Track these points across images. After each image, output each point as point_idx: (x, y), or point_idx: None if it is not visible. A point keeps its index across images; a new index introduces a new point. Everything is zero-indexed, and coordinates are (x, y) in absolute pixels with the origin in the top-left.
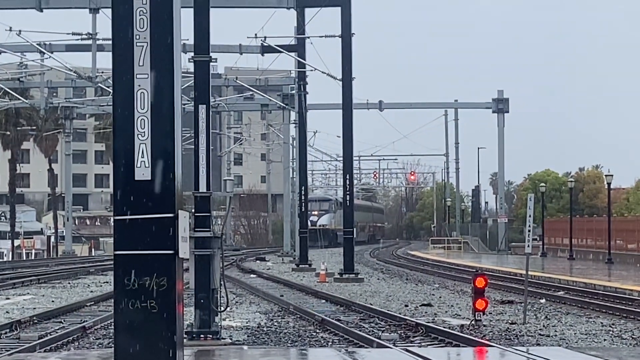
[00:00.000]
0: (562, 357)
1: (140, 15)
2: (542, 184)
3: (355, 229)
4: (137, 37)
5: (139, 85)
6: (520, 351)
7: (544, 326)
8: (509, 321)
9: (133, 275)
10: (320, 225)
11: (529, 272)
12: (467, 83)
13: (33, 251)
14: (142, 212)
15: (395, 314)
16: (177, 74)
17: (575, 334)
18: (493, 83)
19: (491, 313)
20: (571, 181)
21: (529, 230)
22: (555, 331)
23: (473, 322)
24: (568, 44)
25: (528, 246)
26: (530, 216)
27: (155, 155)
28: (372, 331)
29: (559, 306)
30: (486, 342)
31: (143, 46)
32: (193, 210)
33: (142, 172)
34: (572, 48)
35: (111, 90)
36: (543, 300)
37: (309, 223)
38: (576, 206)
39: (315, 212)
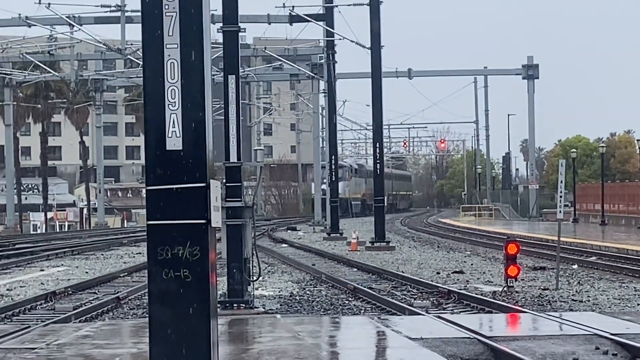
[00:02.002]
0: (596, 323)
1: None
2: (573, 150)
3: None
4: (166, 6)
5: (169, 55)
6: (553, 317)
7: (576, 292)
8: (542, 287)
9: (166, 245)
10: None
11: (561, 238)
12: (497, 49)
13: (66, 223)
14: (174, 182)
15: (427, 281)
16: (207, 44)
17: (608, 299)
18: (523, 49)
19: (523, 279)
20: (602, 146)
21: (561, 196)
22: (588, 297)
23: (505, 289)
24: (599, 8)
25: (560, 212)
26: (561, 182)
27: (186, 125)
28: (404, 299)
29: (592, 272)
30: (519, 308)
31: (172, 16)
32: (224, 181)
33: (174, 142)
34: (601, 12)
35: (141, 62)
36: (575, 266)
37: (320, 192)
38: (607, 172)
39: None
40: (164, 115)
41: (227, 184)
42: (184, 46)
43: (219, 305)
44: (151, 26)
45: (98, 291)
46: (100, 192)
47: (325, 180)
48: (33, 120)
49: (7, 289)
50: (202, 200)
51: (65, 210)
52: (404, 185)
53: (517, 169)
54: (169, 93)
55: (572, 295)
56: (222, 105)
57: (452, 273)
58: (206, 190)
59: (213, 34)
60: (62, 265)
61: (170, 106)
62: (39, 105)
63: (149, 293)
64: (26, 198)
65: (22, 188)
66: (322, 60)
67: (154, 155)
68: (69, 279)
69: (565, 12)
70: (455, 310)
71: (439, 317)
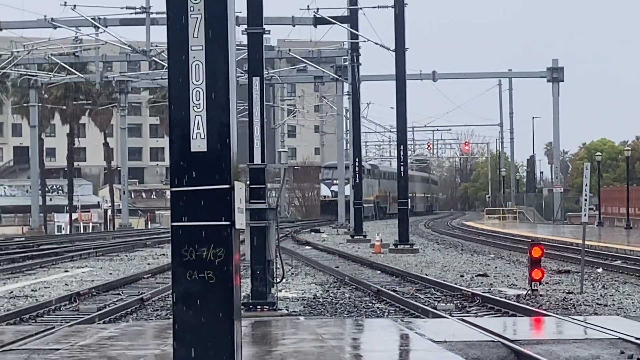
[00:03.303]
0: (621, 326)
1: None
2: (598, 153)
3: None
4: (192, 8)
5: (194, 57)
6: (577, 320)
7: (601, 295)
8: (566, 291)
9: (190, 247)
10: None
11: (586, 242)
12: (522, 52)
13: (90, 224)
14: (198, 184)
15: (451, 284)
16: (232, 46)
17: (633, 303)
18: (548, 51)
19: (547, 283)
20: (628, 150)
21: (586, 200)
22: (613, 300)
23: (529, 292)
24: (625, 10)
25: (585, 215)
26: (586, 185)
27: (211, 126)
28: (428, 301)
29: (616, 275)
30: (543, 311)
31: (197, 18)
32: (248, 182)
33: (198, 143)
34: (627, 15)
35: (165, 64)
36: (600, 270)
37: (329, 193)
38: (633, 175)
39: (337, 182)
40: (189, 117)
41: (250, 186)
42: (209, 48)
43: (242, 307)
44: (176, 28)
45: (122, 292)
46: (124, 194)
47: (332, 182)
48: (61, 121)
49: (32, 290)
50: (227, 202)
51: (89, 211)
52: (424, 188)
53: (541, 172)
54: (193, 95)
55: (597, 299)
56: (247, 107)
57: (476, 276)
58: (230, 192)
59: (237, 35)
60: (86, 266)
61: (195, 108)
62: (65, 107)
63: (173, 294)
64: (50, 199)
65: (46, 189)
66: (347, 63)
67: (178, 156)
68: (93, 280)
69: (590, 14)
70: (479, 314)
71: (463, 320)
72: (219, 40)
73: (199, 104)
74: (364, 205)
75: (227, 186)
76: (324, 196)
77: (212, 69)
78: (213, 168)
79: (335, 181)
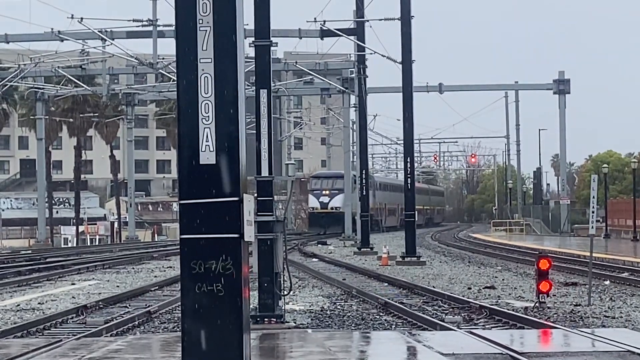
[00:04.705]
0: (629, 339)
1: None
2: (605, 165)
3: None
4: (200, 21)
5: (203, 70)
6: (585, 333)
7: (609, 308)
8: (574, 303)
9: (199, 259)
10: (332, 208)
11: (593, 254)
12: (528, 64)
13: (97, 237)
14: (207, 196)
15: (458, 296)
16: (240, 58)
17: None
18: (554, 63)
19: (555, 295)
20: (634, 162)
21: (593, 212)
22: (621, 313)
23: (537, 304)
24: (631, 22)
25: (592, 227)
26: (593, 197)
27: (220, 139)
28: (436, 314)
29: (624, 288)
30: (551, 324)
31: (206, 30)
32: (255, 195)
33: (207, 156)
34: (634, 26)
35: (172, 76)
36: (607, 282)
37: (318, 205)
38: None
39: (326, 192)
40: (198, 129)
41: (258, 198)
42: (218, 60)
43: (250, 319)
44: (185, 40)
45: (129, 305)
46: (131, 206)
47: (321, 192)
48: (68, 134)
49: (39, 303)
50: (236, 215)
51: (96, 224)
52: (422, 200)
53: (548, 184)
54: (202, 107)
55: (605, 311)
56: (254, 119)
57: (483, 288)
58: (239, 204)
59: (245, 48)
60: (93, 278)
61: (204, 120)
62: (71, 120)
63: (182, 306)
64: (57, 212)
65: (53, 202)
66: (353, 75)
67: (187, 169)
68: (100, 293)
69: (596, 26)
70: (487, 326)
71: (471, 333)
72: (228, 53)
73: (208, 116)
74: (357, 217)
75: (236, 199)
76: (313, 207)
77: (221, 81)
78: (222, 180)
79: (324, 192)
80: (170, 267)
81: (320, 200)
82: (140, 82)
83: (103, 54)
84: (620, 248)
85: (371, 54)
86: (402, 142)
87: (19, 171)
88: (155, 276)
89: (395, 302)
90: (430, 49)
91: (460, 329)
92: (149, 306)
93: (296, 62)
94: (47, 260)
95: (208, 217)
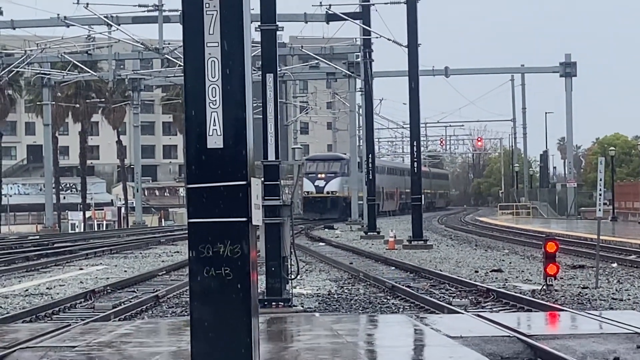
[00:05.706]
0: (637, 321)
1: None
2: (612, 148)
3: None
4: (207, 5)
5: (210, 54)
6: (593, 315)
7: (616, 290)
8: (581, 286)
9: (207, 243)
10: (328, 192)
11: (600, 237)
12: (534, 47)
13: (104, 222)
14: (215, 180)
15: (465, 279)
16: (247, 42)
17: None
18: (560, 46)
19: (562, 278)
20: None
21: (600, 195)
22: (628, 295)
23: (544, 287)
24: (636, 4)
25: (599, 210)
26: (601, 180)
27: (227, 123)
28: (443, 297)
29: (631, 270)
30: (558, 306)
31: (213, 14)
32: (262, 179)
33: (214, 140)
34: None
35: (177, 61)
36: (615, 265)
37: (313, 189)
38: None
39: (322, 175)
40: (205, 114)
41: (265, 183)
42: (225, 44)
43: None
44: (192, 25)
45: (137, 290)
46: (137, 191)
47: (316, 175)
48: (73, 119)
49: (47, 288)
50: (244, 199)
51: (103, 209)
52: (431, 184)
53: (554, 167)
54: (209, 91)
55: (612, 293)
56: (260, 104)
57: (490, 271)
58: (247, 188)
59: (251, 32)
60: (101, 264)
61: (211, 104)
62: (78, 105)
63: (190, 290)
64: (64, 197)
65: (60, 187)
66: (359, 59)
67: (194, 153)
68: (107, 278)
69: (603, 8)
70: (494, 309)
71: (478, 316)
72: (235, 37)
73: (215, 100)
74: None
75: (244, 182)
76: (307, 192)
77: (227, 65)
78: (229, 164)
79: (319, 175)
80: (178, 252)
81: (315, 184)
82: (146, 67)
83: (109, 39)
84: (627, 231)
85: (377, 37)
86: (408, 126)
87: (25, 157)
88: (163, 261)
89: (403, 285)
90: (436, 33)
91: (468, 312)
92: (156, 291)
93: (302, 47)
94: (55, 245)
95: (216, 201)
